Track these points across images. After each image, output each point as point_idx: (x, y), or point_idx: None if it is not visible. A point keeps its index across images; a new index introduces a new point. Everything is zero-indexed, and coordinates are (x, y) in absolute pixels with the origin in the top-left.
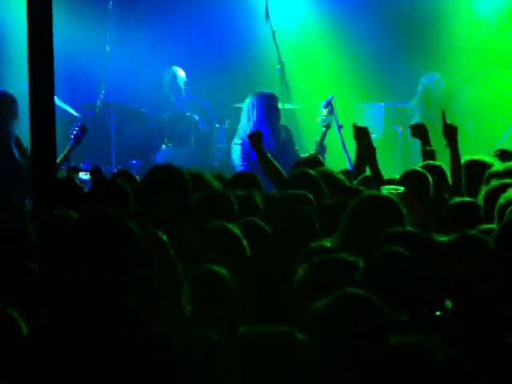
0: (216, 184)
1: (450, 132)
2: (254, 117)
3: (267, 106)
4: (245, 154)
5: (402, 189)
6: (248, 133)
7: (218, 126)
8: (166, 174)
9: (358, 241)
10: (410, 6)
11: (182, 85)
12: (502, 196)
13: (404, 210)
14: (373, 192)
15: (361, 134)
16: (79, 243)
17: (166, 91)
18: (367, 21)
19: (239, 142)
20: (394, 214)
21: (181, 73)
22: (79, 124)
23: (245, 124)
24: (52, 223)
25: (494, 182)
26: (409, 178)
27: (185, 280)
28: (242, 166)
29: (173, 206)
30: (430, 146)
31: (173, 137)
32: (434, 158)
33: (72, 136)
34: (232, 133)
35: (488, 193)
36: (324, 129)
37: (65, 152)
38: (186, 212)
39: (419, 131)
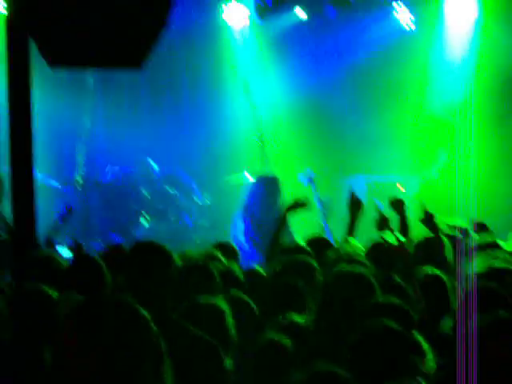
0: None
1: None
2: (255, 200)
3: (268, 190)
4: (247, 231)
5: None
6: (251, 214)
7: (199, 201)
8: (149, 251)
9: (332, 318)
10: (388, 77)
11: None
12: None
13: (375, 284)
14: (343, 268)
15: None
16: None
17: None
18: (346, 94)
19: (242, 219)
20: (366, 288)
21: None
22: (66, 205)
23: (248, 205)
24: (25, 298)
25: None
26: (376, 251)
27: (166, 356)
28: (246, 242)
29: (157, 282)
30: (405, 220)
31: (153, 212)
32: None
33: (58, 216)
34: (213, 209)
35: None
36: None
37: (50, 232)
38: (169, 287)
39: (397, 205)
